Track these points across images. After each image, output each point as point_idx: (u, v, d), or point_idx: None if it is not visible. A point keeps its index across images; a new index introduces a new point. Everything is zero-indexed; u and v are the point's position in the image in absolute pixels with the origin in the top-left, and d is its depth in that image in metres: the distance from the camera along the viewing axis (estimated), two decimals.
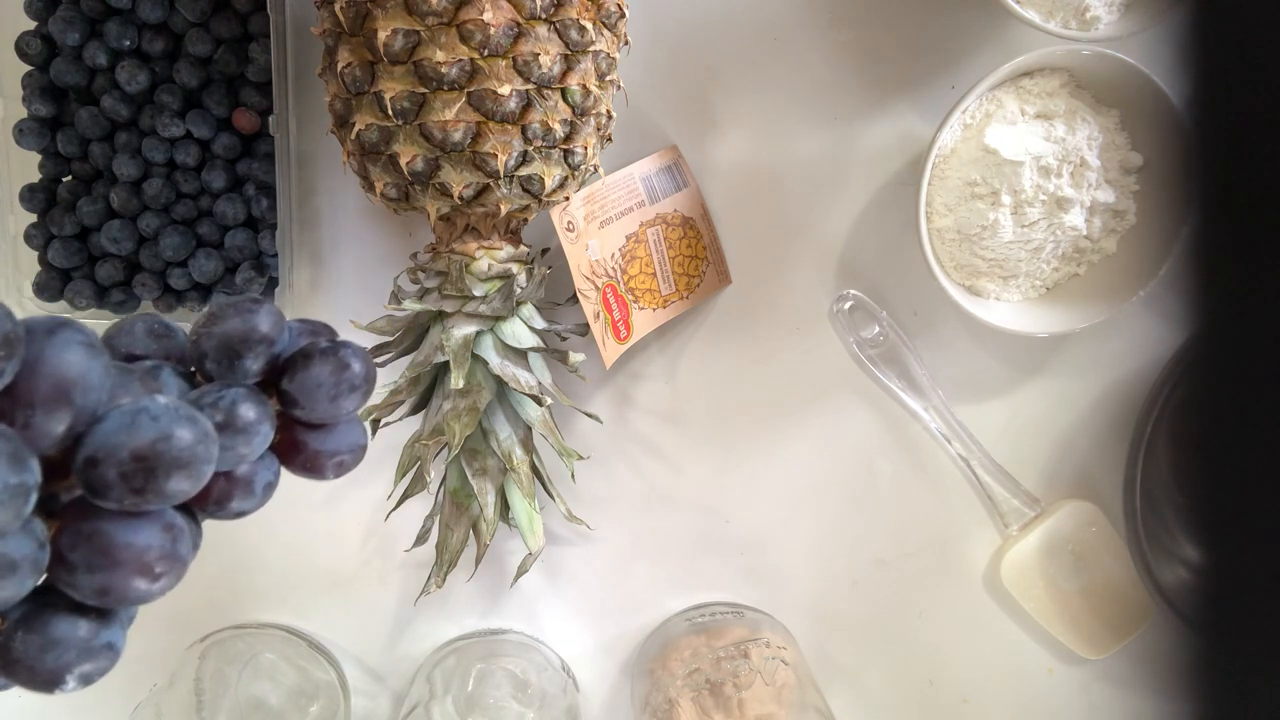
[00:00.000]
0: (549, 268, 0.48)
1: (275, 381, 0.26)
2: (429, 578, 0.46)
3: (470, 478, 0.46)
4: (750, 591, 0.55)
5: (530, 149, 0.42)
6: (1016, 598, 0.54)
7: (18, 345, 0.19)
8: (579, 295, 0.48)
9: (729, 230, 0.54)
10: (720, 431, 0.54)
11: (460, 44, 0.40)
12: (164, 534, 0.22)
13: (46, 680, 0.21)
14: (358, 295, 0.52)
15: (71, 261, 0.49)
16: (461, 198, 0.43)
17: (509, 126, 0.41)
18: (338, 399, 0.26)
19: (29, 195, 0.49)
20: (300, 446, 0.26)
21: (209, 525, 0.25)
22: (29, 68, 0.49)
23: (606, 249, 0.49)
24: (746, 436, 0.55)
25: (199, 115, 0.48)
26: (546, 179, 0.43)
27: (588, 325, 0.48)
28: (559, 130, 0.42)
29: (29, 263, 0.50)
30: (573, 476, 0.50)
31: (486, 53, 0.40)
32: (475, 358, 0.45)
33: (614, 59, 0.45)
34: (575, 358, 0.46)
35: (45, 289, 0.50)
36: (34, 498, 0.20)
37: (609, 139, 0.47)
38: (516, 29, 0.40)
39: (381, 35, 0.40)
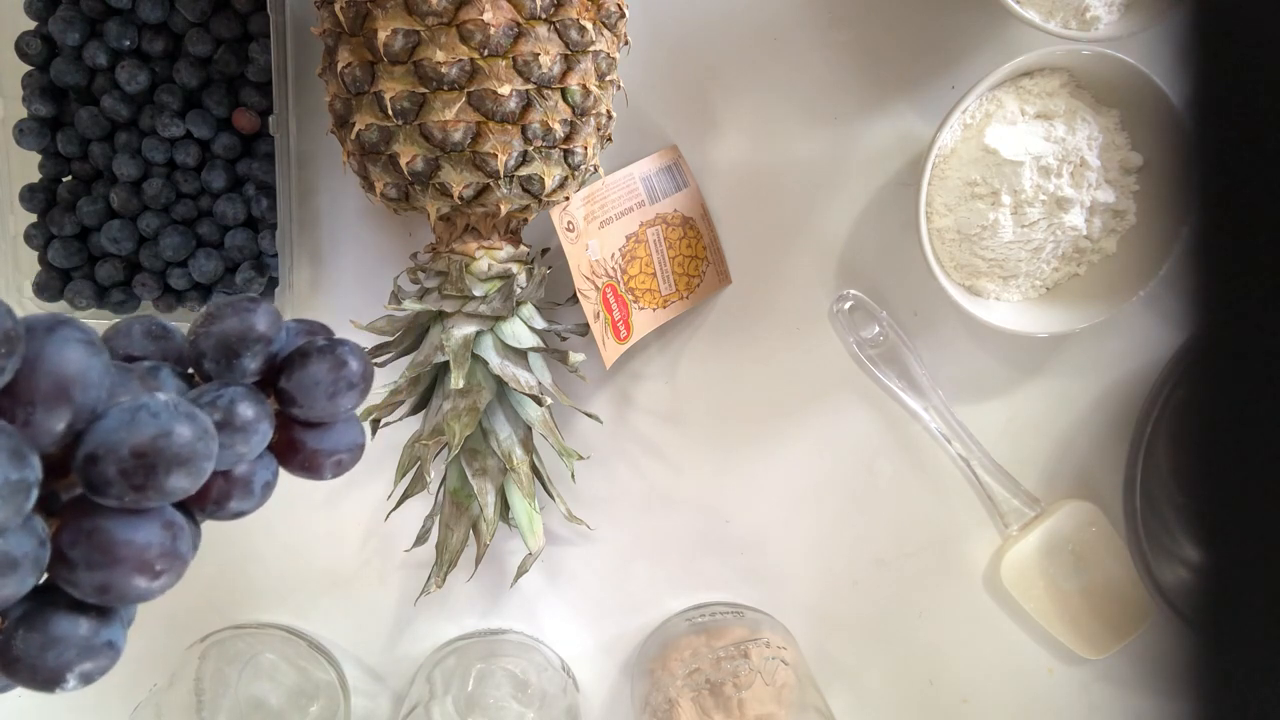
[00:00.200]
0: (549, 268, 0.48)
1: (273, 381, 0.26)
2: (429, 578, 0.46)
3: (470, 478, 0.46)
4: (750, 591, 0.55)
5: (530, 149, 0.42)
6: (1016, 598, 0.54)
7: (18, 343, 0.19)
8: (579, 295, 0.48)
9: (729, 230, 0.54)
10: (720, 431, 0.54)
11: (460, 44, 0.40)
12: (164, 531, 0.22)
13: (47, 679, 0.21)
14: (358, 295, 0.52)
15: (71, 261, 0.49)
16: (461, 198, 0.43)
17: (509, 126, 0.41)
18: (336, 397, 0.26)
19: (29, 195, 0.49)
20: (298, 445, 0.26)
21: (209, 525, 0.25)
22: (29, 68, 0.49)
23: (606, 249, 0.49)
24: (746, 436, 0.55)
25: (199, 115, 0.48)
26: (546, 179, 0.43)
27: (588, 325, 0.48)
28: (559, 130, 0.42)
29: (29, 263, 0.50)
30: (573, 476, 0.50)
31: (486, 53, 0.40)
32: (475, 358, 0.45)
33: (614, 59, 0.45)
34: (575, 358, 0.46)
35: (45, 289, 0.50)
36: (34, 494, 0.20)
37: (609, 139, 0.47)
38: (516, 29, 0.40)
39: (381, 35, 0.40)
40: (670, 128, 0.53)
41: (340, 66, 0.42)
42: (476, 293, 0.45)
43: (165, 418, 0.21)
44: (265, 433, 0.24)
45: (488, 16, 0.40)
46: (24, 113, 0.49)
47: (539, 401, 0.45)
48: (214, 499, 0.25)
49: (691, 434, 0.54)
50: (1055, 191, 0.47)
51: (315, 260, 0.53)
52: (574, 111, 0.43)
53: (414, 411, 0.47)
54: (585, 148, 0.44)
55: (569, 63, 0.42)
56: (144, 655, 0.52)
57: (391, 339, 0.47)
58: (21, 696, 0.47)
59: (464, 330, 0.45)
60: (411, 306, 0.45)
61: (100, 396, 0.21)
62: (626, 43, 0.46)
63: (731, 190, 0.53)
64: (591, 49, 0.43)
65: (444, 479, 0.47)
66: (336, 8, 0.41)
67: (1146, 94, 0.47)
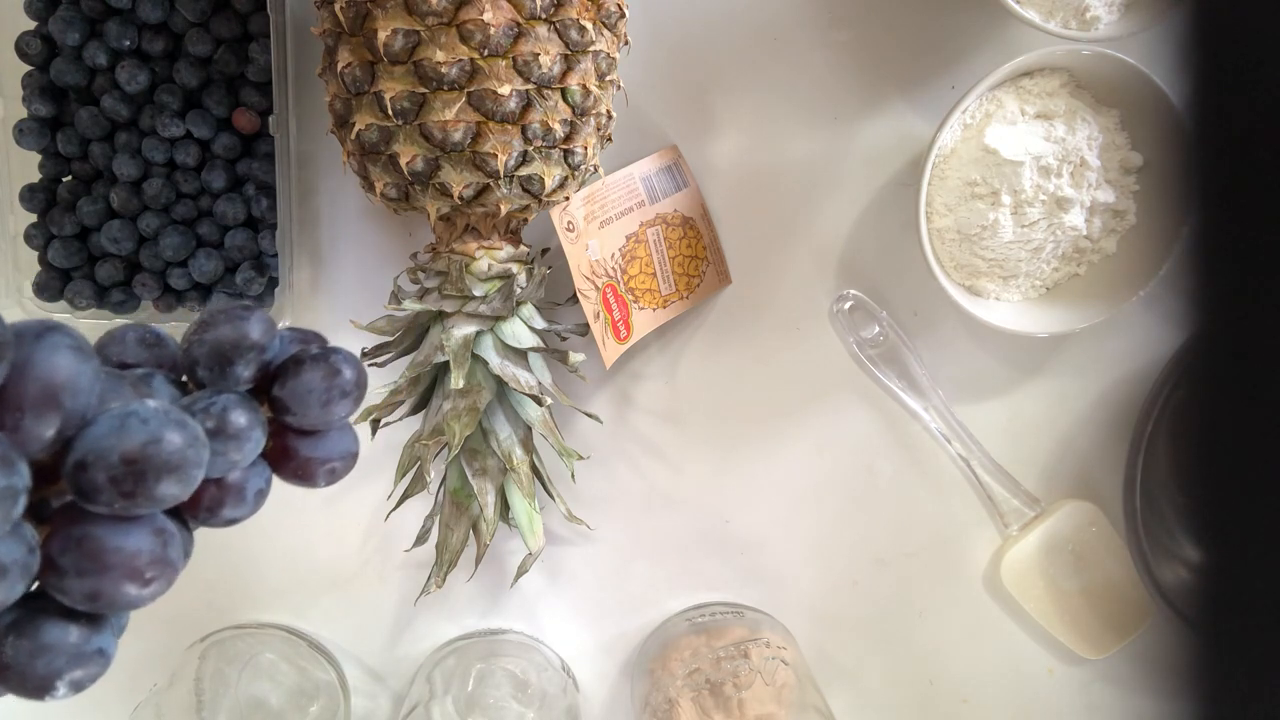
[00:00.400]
0: (549, 268, 0.48)
1: (267, 388, 0.26)
2: (429, 578, 0.46)
3: (470, 478, 0.46)
4: (750, 591, 0.55)
5: (530, 149, 0.42)
6: (1016, 598, 0.54)
7: (6, 349, 0.19)
8: (579, 295, 0.48)
9: (729, 230, 0.54)
10: (720, 431, 0.54)
11: (460, 44, 0.40)
12: (155, 538, 0.22)
13: (37, 686, 0.21)
14: (358, 295, 0.52)
15: (71, 261, 0.49)
16: (461, 198, 0.43)
17: (509, 126, 0.41)
18: (329, 405, 0.26)
19: (29, 195, 0.49)
20: (292, 453, 0.26)
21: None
22: (29, 68, 0.49)
23: (606, 249, 0.49)
24: (746, 436, 0.55)
25: (199, 115, 0.48)
26: (546, 179, 0.43)
27: (588, 325, 0.48)
28: (559, 130, 0.42)
29: (29, 263, 0.50)
30: (573, 476, 0.50)
31: (486, 53, 0.40)
32: (475, 358, 0.45)
33: (614, 59, 0.45)
34: (575, 358, 0.46)
35: (45, 289, 0.50)
36: (23, 500, 0.20)
37: (609, 139, 0.47)
38: (516, 29, 0.40)
39: (381, 35, 0.40)
40: (670, 128, 0.53)
41: (340, 66, 0.42)
42: (476, 293, 0.45)
43: (155, 424, 0.21)
44: (258, 440, 0.24)
45: (488, 16, 0.40)
46: (24, 113, 0.49)
47: (539, 401, 0.45)
48: (206, 506, 0.25)
49: (691, 434, 0.54)
50: (1055, 191, 0.47)
51: (315, 260, 0.53)
52: (574, 111, 0.43)
53: (414, 411, 0.47)
54: (585, 148, 0.44)
55: (569, 63, 0.42)
56: (144, 655, 0.52)
57: (391, 339, 0.47)
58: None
59: (464, 330, 0.45)
60: (411, 306, 0.45)
61: (90, 403, 0.21)
62: (626, 43, 0.46)
63: (731, 190, 0.53)
64: (591, 49, 0.43)
65: (444, 479, 0.47)
66: (336, 8, 0.41)
67: (1146, 94, 0.47)
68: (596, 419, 0.50)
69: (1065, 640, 0.54)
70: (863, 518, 0.55)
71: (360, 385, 0.26)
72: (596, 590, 0.55)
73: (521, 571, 0.48)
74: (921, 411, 0.54)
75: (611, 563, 0.55)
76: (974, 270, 0.50)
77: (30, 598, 0.21)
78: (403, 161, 0.42)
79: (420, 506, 0.49)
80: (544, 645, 0.54)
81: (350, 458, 0.28)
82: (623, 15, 0.45)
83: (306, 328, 0.28)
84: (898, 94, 0.53)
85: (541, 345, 0.46)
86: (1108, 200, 0.48)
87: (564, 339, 0.49)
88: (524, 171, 0.43)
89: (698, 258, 0.53)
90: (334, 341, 0.27)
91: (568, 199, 0.47)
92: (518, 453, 0.46)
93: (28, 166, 0.50)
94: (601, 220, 0.49)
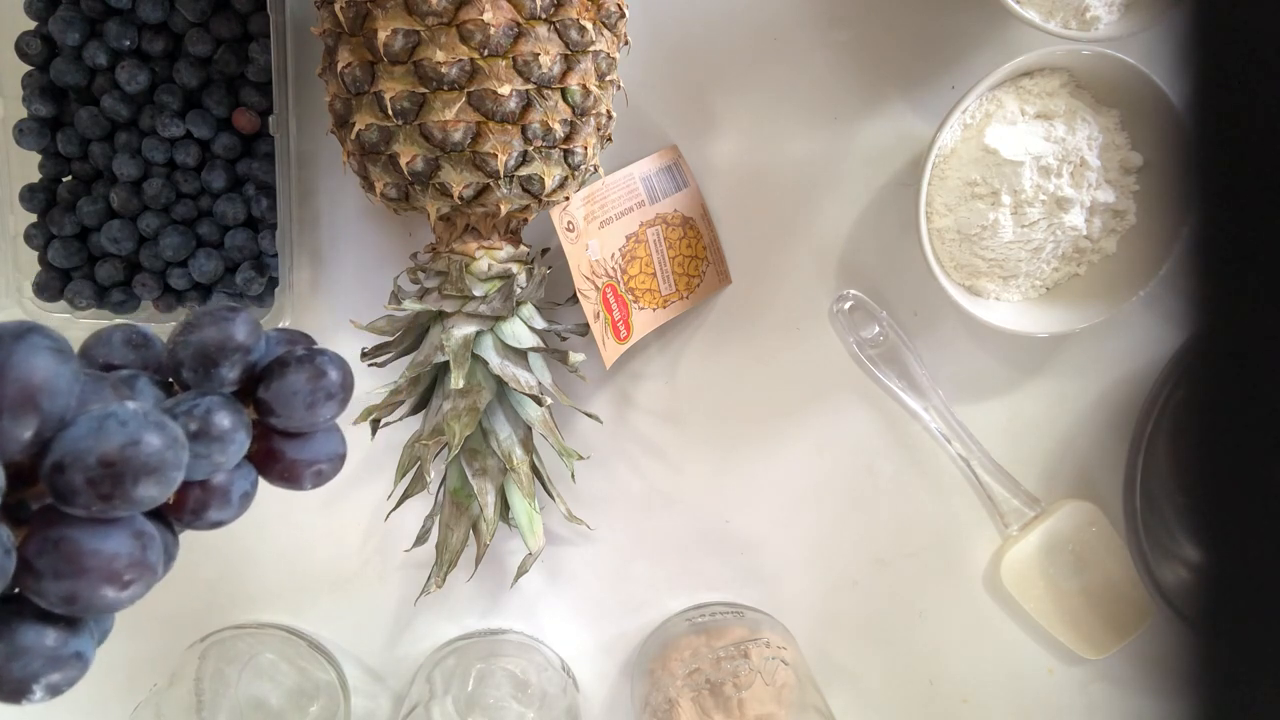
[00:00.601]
0: (549, 268, 0.48)
1: (252, 390, 0.26)
2: (429, 578, 0.46)
3: (470, 478, 0.46)
4: (750, 591, 0.55)
5: (530, 149, 0.42)
6: (1016, 598, 0.54)
7: None
8: (579, 295, 0.48)
9: (729, 230, 0.54)
10: (720, 431, 0.54)
11: (460, 44, 0.40)
12: (133, 541, 0.21)
13: (13, 690, 0.21)
14: (358, 295, 0.52)
15: (71, 261, 0.49)
16: (461, 198, 0.43)
17: (509, 126, 0.41)
18: (314, 407, 0.26)
19: (29, 195, 0.49)
20: (278, 455, 0.26)
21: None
22: (29, 68, 0.49)
23: (606, 249, 0.49)
24: (746, 436, 0.55)
25: (199, 115, 0.48)
26: (546, 179, 0.43)
27: (588, 325, 0.48)
28: (559, 130, 0.42)
29: (29, 263, 0.50)
30: (573, 476, 0.50)
31: (486, 53, 0.40)
32: (475, 358, 0.45)
33: (614, 59, 0.45)
34: (575, 358, 0.46)
35: (45, 289, 0.50)
36: None
37: (609, 139, 0.47)
38: (516, 29, 0.40)
39: (381, 35, 0.40)
40: (670, 128, 0.53)
41: (340, 66, 0.42)
42: (476, 293, 0.45)
43: (134, 426, 0.21)
44: (242, 442, 0.24)
45: (488, 16, 0.40)
46: (24, 113, 0.49)
47: (539, 401, 0.45)
48: (191, 508, 0.25)
49: (691, 434, 0.54)
50: (1055, 191, 0.47)
51: (315, 260, 0.53)
52: (574, 111, 0.43)
53: (414, 411, 0.47)
54: (585, 148, 0.44)
55: (569, 63, 0.42)
56: (144, 655, 0.52)
57: (391, 339, 0.47)
58: None
59: (464, 330, 0.45)
60: (411, 306, 0.45)
61: (69, 404, 0.21)
62: (626, 43, 0.46)
63: (731, 190, 0.53)
64: (591, 49, 0.43)
65: (444, 479, 0.47)
66: (336, 8, 0.41)
67: (1146, 94, 0.47)
68: (596, 419, 0.50)
69: (1065, 640, 0.54)
70: (863, 518, 0.55)
71: (346, 388, 0.26)
72: (596, 590, 0.55)
73: (521, 571, 0.48)
74: (921, 411, 0.54)
75: (611, 563, 0.55)
76: (974, 270, 0.50)
77: (7, 601, 0.21)
78: (403, 161, 0.42)
79: (420, 506, 0.49)
80: (544, 645, 0.54)
81: (337, 460, 0.27)
82: (623, 15, 0.45)
83: (301, 329, 0.28)
84: (898, 94, 0.53)
85: (541, 345, 0.46)
86: (1108, 200, 0.48)
87: (564, 339, 0.49)
88: (524, 171, 0.43)
89: (698, 258, 0.53)
90: (334, 342, 0.27)
91: (568, 199, 0.47)
92: (518, 453, 0.46)
93: (28, 166, 0.50)
94: (601, 220, 0.49)
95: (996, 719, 0.57)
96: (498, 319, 0.45)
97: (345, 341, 0.47)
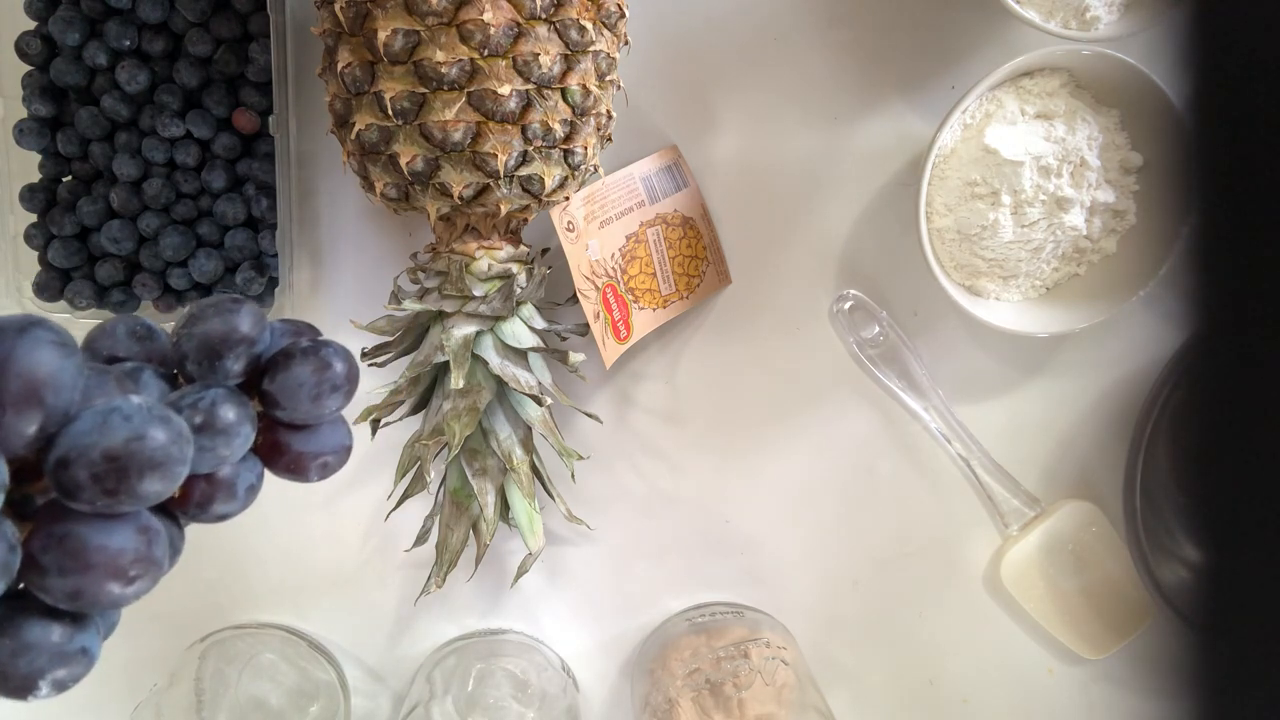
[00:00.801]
0: (549, 268, 0.48)
1: (257, 382, 0.25)
2: (429, 578, 0.46)
3: (470, 478, 0.46)
4: (750, 591, 0.55)
5: (530, 149, 0.42)
6: (1016, 598, 0.54)
7: None
8: (579, 295, 0.48)
9: (729, 230, 0.54)
10: (720, 431, 0.54)
11: (460, 44, 0.40)
12: (139, 536, 0.21)
13: (19, 686, 0.21)
14: (358, 295, 0.52)
15: (71, 261, 0.49)
16: (461, 198, 0.43)
17: (509, 126, 0.41)
18: (320, 399, 0.25)
19: (29, 195, 0.49)
20: (283, 448, 0.26)
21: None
22: (29, 68, 0.49)
23: (606, 249, 0.49)
24: (746, 436, 0.55)
25: (199, 115, 0.48)
26: (546, 179, 0.43)
27: (588, 325, 0.48)
28: (559, 130, 0.42)
29: (29, 263, 0.50)
30: (573, 476, 0.50)
31: (486, 53, 0.40)
32: (475, 358, 0.45)
33: (614, 59, 0.45)
34: (575, 358, 0.46)
35: (45, 289, 0.50)
36: (0, 497, 0.19)
37: (609, 139, 0.47)
38: (516, 29, 0.40)
39: (381, 35, 0.40)
40: (670, 128, 0.53)
41: (340, 66, 0.42)
42: (476, 293, 0.45)
43: (138, 420, 0.21)
44: (247, 435, 0.24)
45: (488, 16, 0.40)
46: (24, 113, 0.49)
47: (539, 401, 0.45)
48: (197, 502, 0.24)
49: (691, 434, 0.54)
50: (1055, 191, 0.47)
51: (315, 260, 0.53)
52: (574, 111, 0.43)
53: (414, 411, 0.47)
54: (585, 148, 0.44)
55: (569, 63, 0.42)
56: (144, 655, 0.52)
57: (391, 339, 0.47)
58: None
59: (464, 330, 0.45)
60: (411, 306, 0.45)
61: (73, 399, 0.21)
62: (626, 43, 0.46)
63: (731, 190, 0.53)
64: (591, 49, 0.43)
65: (444, 479, 0.47)
66: (336, 8, 0.41)
67: (1146, 94, 0.47)
68: (596, 419, 0.50)
69: (1065, 640, 0.54)
70: (863, 518, 0.55)
71: (351, 379, 0.26)
72: (596, 590, 0.55)
73: (521, 571, 0.48)
74: (921, 411, 0.54)
75: (611, 563, 0.55)
76: (974, 270, 0.50)
77: (12, 597, 0.21)
78: (403, 161, 0.42)
79: (420, 506, 0.49)
80: (544, 645, 0.54)
81: (343, 451, 0.27)
82: (623, 15, 0.45)
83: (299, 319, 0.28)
84: (897, 94, 0.53)
85: (541, 345, 0.46)
86: (1108, 200, 0.48)
87: (564, 339, 0.49)
88: (524, 171, 0.43)
89: (698, 258, 0.53)
90: None
91: (568, 199, 0.47)
92: (518, 453, 0.46)
93: (28, 166, 0.50)
94: (601, 220, 0.49)
95: (996, 719, 0.57)
96: (498, 319, 0.45)
97: (345, 341, 0.47)
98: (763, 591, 0.55)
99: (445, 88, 0.41)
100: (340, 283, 0.53)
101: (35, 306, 0.50)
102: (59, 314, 0.50)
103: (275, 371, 0.25)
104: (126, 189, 0.49)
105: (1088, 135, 0.48)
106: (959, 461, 0.54)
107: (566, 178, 0.44)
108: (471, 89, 0.41)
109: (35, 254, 0.50)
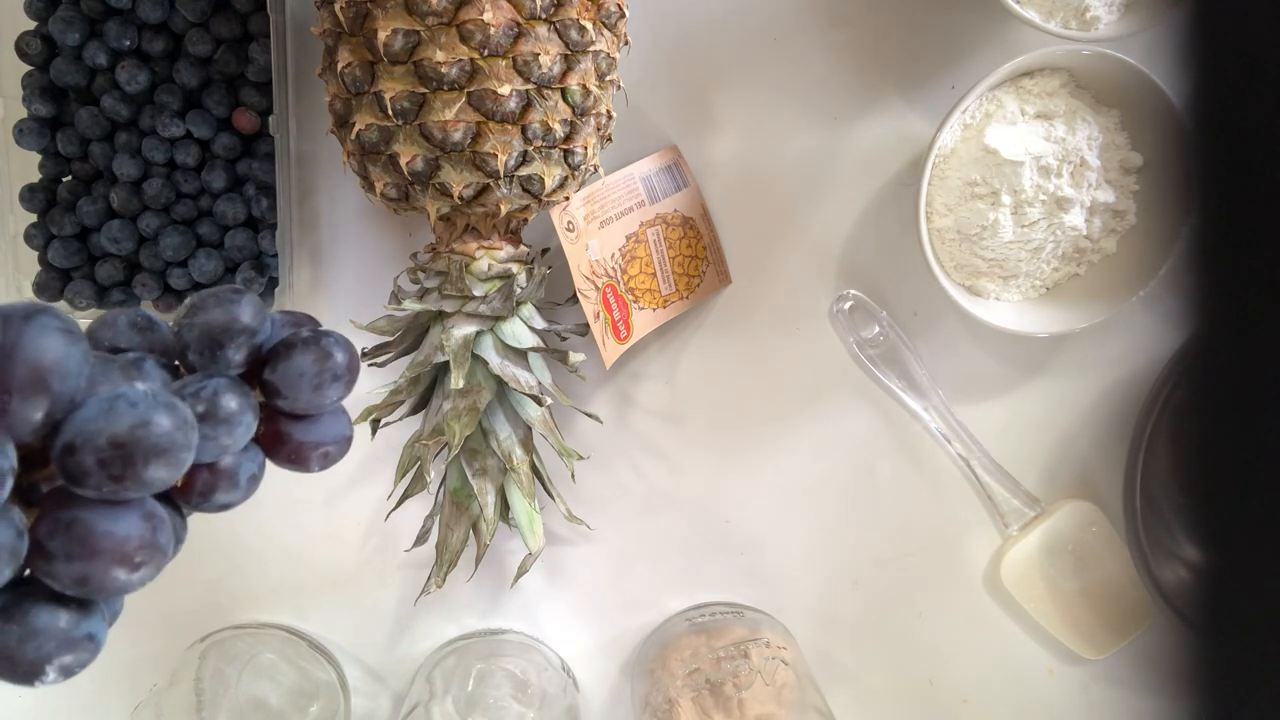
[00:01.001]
0: (549, 268, 0.48)
1: (258, 372, 0.26)
2: (429, 578, 0.46)
3: (470, 478, 0.46)
4: (750, 591, 0.55)
5: (530, 149, 0.42)
6: (1016, 598, 0.54)
7: None
8: (579, 295, 0.48)
9: (729, 230, 0.54)
10: (720, 431, 0.54)
11: (460, 44, 0.40)
12: (144, 523, 0.21)
13: (26, 671, 0.21)
14: (358, 295, 0.52)
15: (71, 261, 0.49)
16: (461, 198, 0.43)
17: (509, 126, 0.41)
18: (321, 389, 0.26)
19: (29, 195, 0.49)
20: (284, 438, 0.26)
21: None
22: (29, 68, 0.49)
23: (606, 249, 0.49)
24: (746, 436, 0.55)
25: (199, 115, 0.48)
26: (546, 179, 0.43)
27: (588, 325, 0.48)
28: (559, 130, 0.42)
29: (29, 263, 0.50)
30: (573, 476, 0.50)
31: (486, 53, 0.40)
32: (475, 358, 0.45)
33: (614, 59, 0.45)
34: (575, 358, 0.46)
35: (45, 289, 0.50)
36: (9, 483, 0.19)
37: (609, 139, 0.47)
38: (516, 29, 0.40)
39: (381, 35, 0.40)
40: (670, 128, 0.53)
41: (340, 66, 0.42)
42: (476, 293, 0.45)
43: (144, 407, 0.21)
44: (249, 424, 0.24)
45: (488, 16, 0.40)
46: (24, 113, 0.49)
47: (539, 401, 0.45)
48: (199, 491, 0.25)
49: (691, 434, 0.54)
50: (1055, 191, 0.47)
51: (315, 260, 0.53)
52: (574, 111, 0.43)
53: (414, 411, 0.47)
54: (585, 148, 0.44)
55: (569, 63, 0.42)
56: (144, 655, 0.52)
57: (391, 339, 0.47)
58: (22, 696, 0.47)
59: (464, 330, 0.45)
60: (411, 306, 0.45)
61: (79, 386, 0.21)
62: (626, 43, 0.46)
63: (731, 190, 0.53)
64: (591, 49, 0.43)
65: (444, 479, 0.47)
66: (336, 8, 0.41)
67: (1146, 94, 0.47)
68: (596, 419, 0.50)
69: (1065, 640, 0.54)
70: (863, 518, 0.55)
71: (352, 369, 0.26)
72: (596, 590, 0.55)
73: (521, 571, 0.48)
74: (921, 411, 0.54)
75: (611, 563, 0.55)
76: (974, 270, 0.50)
77: (19, 583, 0.21)
78: (403, 161, 0.42)
79: (420, 506, 0.49)
80: (544, 645, 0.54)
81: (344, 441, 0.27)
82: (623, 15, 0.45)
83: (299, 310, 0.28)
84: (897, 94, 0.53)
85: (541, 345, 0.46)
86: (1108, 200, 0.48)
87: (564, 339, 0.49)
88: (524, 171, 0.43)
89: (698, 258, 0.53)
90: None
91: (568, 199, 0.47)
92: (518, 453, 0.46)
93: (28, 166, 0.50)
94: (601, 220, 0.49)
95: (996, 719, 0.57)
96: (498, 319, 0.45)
97: None
98: (763, 591, 0.55)
99: (445, 88, 0.41)
100: (340, 283, 0.53)
101: None
102: None
103: (276, 361, 0.25)
104: (126, 189, 0.49)
105: (1088, 135, 0.48)
106: (959, 461, 0.54)
107: (566, 178, 0.44)
108: (471, 89, 0.41)
109: (35, 254, 0.50)
